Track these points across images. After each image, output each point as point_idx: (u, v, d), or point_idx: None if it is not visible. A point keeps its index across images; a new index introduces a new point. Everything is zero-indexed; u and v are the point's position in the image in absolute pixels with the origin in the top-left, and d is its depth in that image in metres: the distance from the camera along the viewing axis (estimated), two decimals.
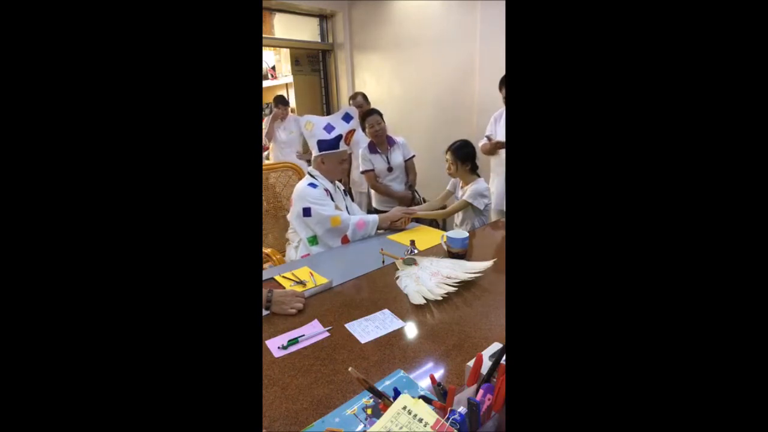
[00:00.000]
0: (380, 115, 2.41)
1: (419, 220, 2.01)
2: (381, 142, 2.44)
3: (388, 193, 2.48)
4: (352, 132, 1.64)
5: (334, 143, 1.58)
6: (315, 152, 1.61)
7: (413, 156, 2.55)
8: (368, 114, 2.40)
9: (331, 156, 1.60)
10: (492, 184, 2.31)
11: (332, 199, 1.63)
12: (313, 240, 1.61)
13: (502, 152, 2.25)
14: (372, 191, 2.61)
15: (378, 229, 1.70)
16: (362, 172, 2.52)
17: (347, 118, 1.61)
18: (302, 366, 0.82)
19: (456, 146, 1.95)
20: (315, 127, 1.58)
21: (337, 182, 1.72)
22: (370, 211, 2.82)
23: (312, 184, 1.59)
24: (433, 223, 2.18)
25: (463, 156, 1.93)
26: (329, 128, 1.58)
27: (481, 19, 2.75)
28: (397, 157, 2.47)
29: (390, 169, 2.46)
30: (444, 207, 2.07)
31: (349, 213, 1.69)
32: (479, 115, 2.87)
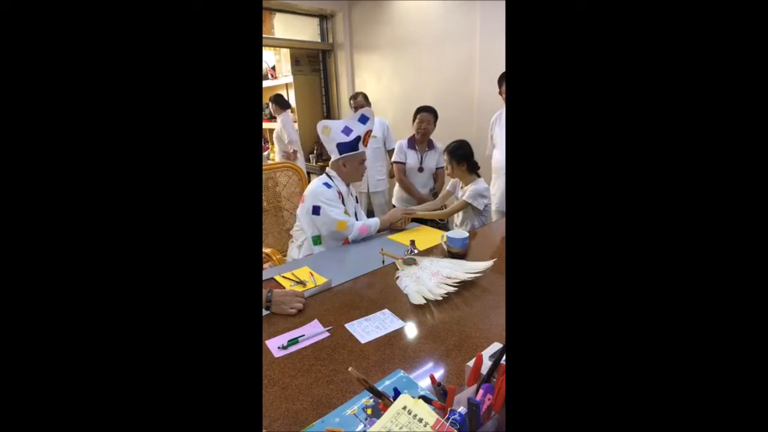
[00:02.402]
0: (434, 115, 2.40)
1: (421, 220, 2.01)
2: (422, 142, 2.44)
3: (410, 191, 2.47)
4: (369, 133, 1.65)
5: (353, 145, 1.60)
6: (335, 156, 1.62)
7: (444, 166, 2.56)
8: (422, 109, 2.39)
9: (352, 158, 1.61)
10: (494, 185, 2.30)
11: (343, 202, 1.63)
12: (317, 240, 1.61)
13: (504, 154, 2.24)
14: (395, 189, 2.60)
15: (379, 230, 1.71)
16: (393, 163, 2.53)
17: (363, 119, 1.62)
18: (302, 366, 0.82)
19: (452, 147, 1.96)
20: (332, 131, 1.59)
21: (350, 187, 1.73)
22: (371, 212, 2.82)
23: (327, 184, 1.60)
24: (432, 223, 2.18)
25: (459, 156, 1.94)
26: (347, 130, 1.59)
27: (481, 19, 2.74)
28: (430, 162, 2.47)
29: (420, 170, 2.46)
30: (444, 207, 2.07)
31: (357, 220, 1.70)
32: (479, 115, 2.86)
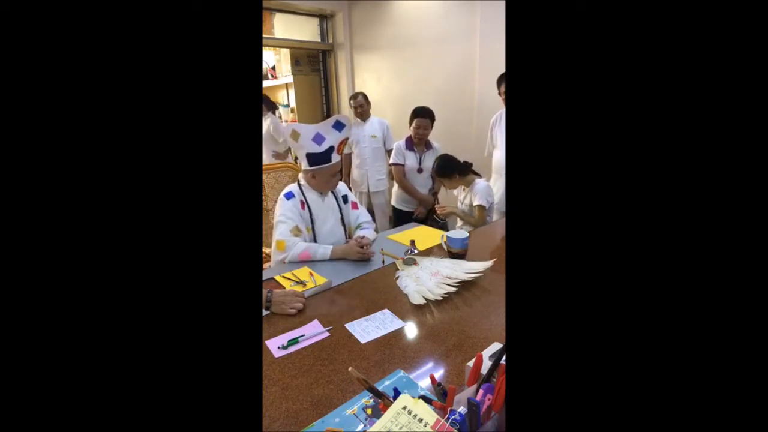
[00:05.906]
0: (431, 119, 2.37)
1: (422, 221, 2.01)
2: (419, 143, 2.44)
3: (411, 191, 2.46)
4: (344, 141, 1.45)
5: (325, 157, 1.40)
6: (304, 165, 1.43)
7: None
8: (418, 114, 2.36)
9: (323, 170, 1.43)
10: (495, 185, 2.30)
11: (310, 211, 1.47)
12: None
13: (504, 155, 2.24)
14: (394, 189, 2.59)
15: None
16: (392, 164, 2.50)
17: (338, 126, 1.40)
18: (302, 366, 0.82)
19: (437, 170, 1.98)
20: (302, 138, 1.38)
21: (323, 193, 1.54)
22: (371, 213, 2.81)
23: (287, 195, 1.45)
24: (432, 223, 2.18)
25: (448, 171, 1.95)
26: (319, 139, 1.39)
27: (481, 19, 2.74)
28: (429, 162, 2.46)
29: (420, 171, 2.46)
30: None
31: (344, 223, 1.56)
32: (479, 115, 2.87)
